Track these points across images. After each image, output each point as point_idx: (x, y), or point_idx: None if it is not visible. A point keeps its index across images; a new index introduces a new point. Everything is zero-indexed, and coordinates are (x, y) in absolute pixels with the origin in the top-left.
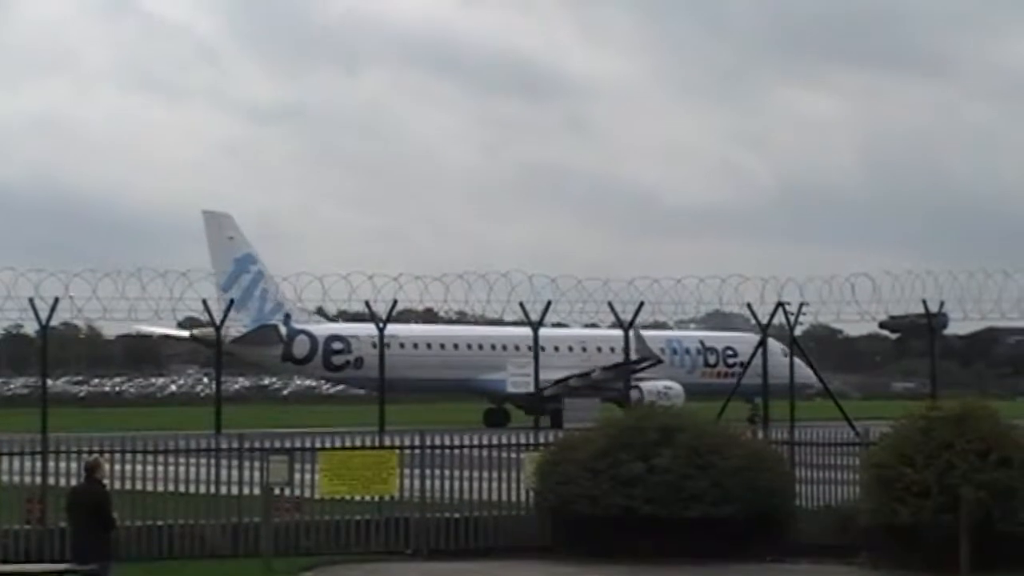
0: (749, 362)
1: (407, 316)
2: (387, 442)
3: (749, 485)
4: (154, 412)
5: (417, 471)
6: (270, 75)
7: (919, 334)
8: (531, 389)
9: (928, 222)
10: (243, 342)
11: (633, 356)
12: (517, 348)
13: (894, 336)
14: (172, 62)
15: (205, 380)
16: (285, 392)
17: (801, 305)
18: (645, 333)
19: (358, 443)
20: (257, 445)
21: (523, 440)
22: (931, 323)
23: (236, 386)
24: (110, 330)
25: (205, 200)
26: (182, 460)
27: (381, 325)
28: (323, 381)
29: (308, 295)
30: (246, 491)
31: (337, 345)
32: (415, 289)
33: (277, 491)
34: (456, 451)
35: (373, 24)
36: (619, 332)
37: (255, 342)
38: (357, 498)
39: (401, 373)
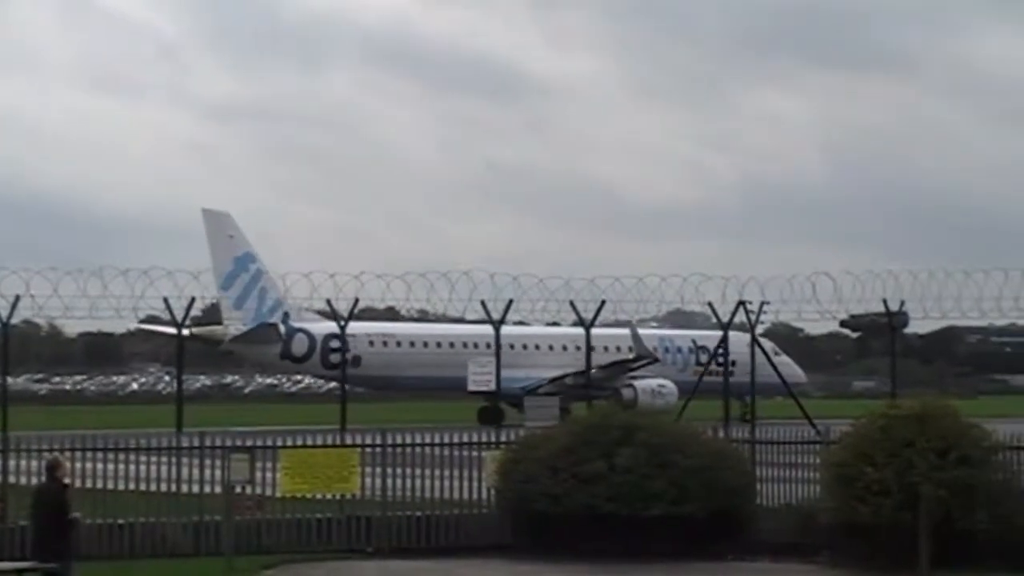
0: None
1: (369, 314)
2: (348, 440)
3: (710, 484)
4: (115, 410)
5: (379, 469)
6: (232, 73)
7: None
8: (491, 387)
9: (890, 221)
10: (243, 340)
11: (631, 355)
12: (512, 347)
13: (855, 335)
14: (133, 60)
15: (167, 378)
16: (247, 390)
17: (762, 304)
18: (640, 332)
19: (319, 441)
20: (218, 443)
21: (484, 438)
22: (891, 322)
23: (198, 384)
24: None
25: (166, 198)
26: (143, 458)
27: (342, 323)
28: (321, 379)
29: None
30: (207, 489)
31: (335, 343)
32: (377, 287)
33: (238, 489)
34: (417, 449)
35: (335, 22)
36: (614, 331)
37: (254, 340)
38: (318, 496)
39: (399, 371)
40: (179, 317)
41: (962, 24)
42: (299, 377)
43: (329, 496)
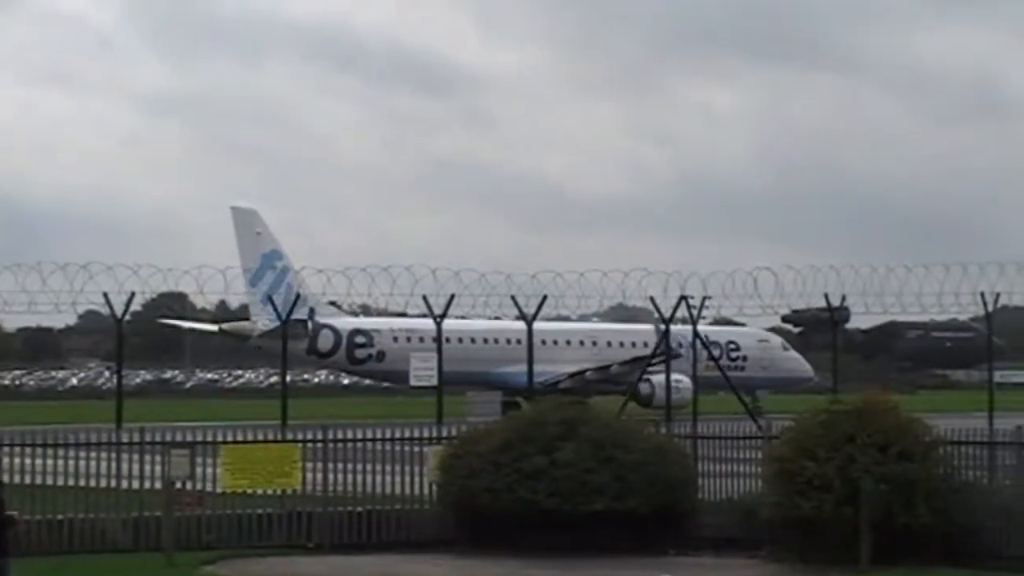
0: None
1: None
2: (289, 436)
3: (652, 478)
4: (55, 405)
5: (320, 465)
6: (169, 66)
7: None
8: (434, 383)
9: (830, 217)
10: (271, 336)
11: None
12: (543, 342)
13: (796, 330)
14: (69, 53)
15: (107, 374)
16: (187, 386)
17: (704, 299)
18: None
19: (260, 437)
20: (158, 439)
21: (426, 434)
22: (833, 317)
23: (138, 380)
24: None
25: (104, 191)
26: (82, 454)
27: (284, 318)
28: (347, 374)
29: (210, 288)
30: (147, 485)
31: (360, 339)
32: (318, 282)
33: (179, 485)
34: (359, 444)
35: (271, 16)
36: (628, 326)
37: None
38: (259, 492)
39: None
40: (119, 312)
41: (900, 22)
42: (239, 372)
43: (270, 491)
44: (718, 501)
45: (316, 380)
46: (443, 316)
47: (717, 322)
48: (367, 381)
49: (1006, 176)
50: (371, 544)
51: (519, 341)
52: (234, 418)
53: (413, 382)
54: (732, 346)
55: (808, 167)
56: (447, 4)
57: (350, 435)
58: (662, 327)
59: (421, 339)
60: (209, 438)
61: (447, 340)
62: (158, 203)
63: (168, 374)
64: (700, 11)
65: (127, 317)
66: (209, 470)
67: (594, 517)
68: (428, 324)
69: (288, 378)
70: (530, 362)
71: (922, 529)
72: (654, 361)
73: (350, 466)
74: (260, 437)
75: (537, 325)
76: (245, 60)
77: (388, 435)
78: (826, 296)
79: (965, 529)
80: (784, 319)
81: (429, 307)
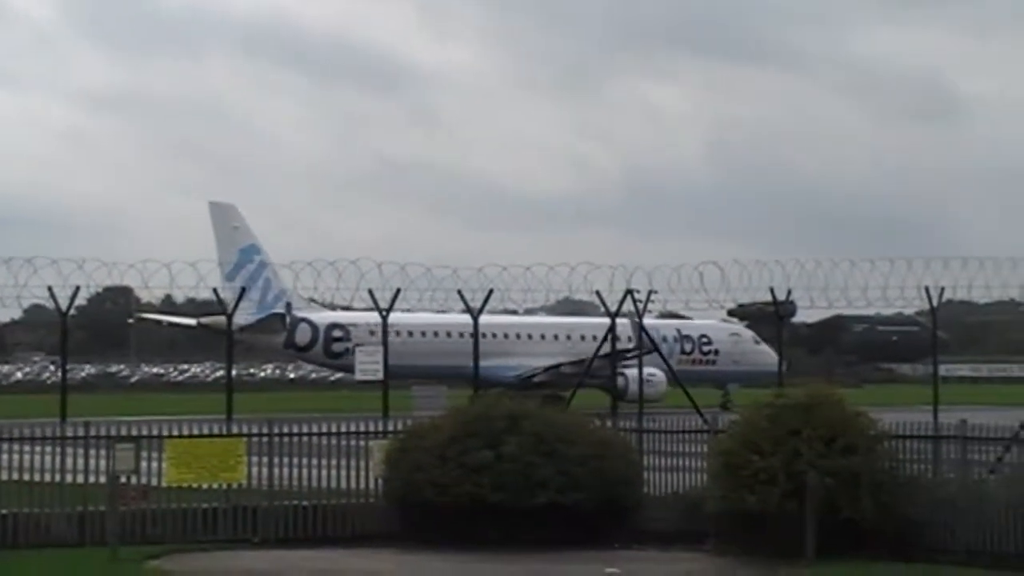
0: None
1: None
2: (235, 430)
3: (597, 472)
4: None
5: (265, 459)
6: (111, 63)
7: (767, 322)
8: (379, 376)
9: (775, 212)
10: (250, 330)
11: (627, 344)
12: (506, 336)
13: (743, 324)
14: (9, 49)
15: (51, 368)
16: (133, 380)
17: (650, 293)
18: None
19: (205, 431)
20: (103, 433)
21: (371, 428)
22: (779, 311)
23: (83, 374)
24: None
25: (44, 187)
26: (27, 448)
27: (229, 312)
28: (324, 368)
29: (155, 282)
30: (92, 479)
31: (337, 333)
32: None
33: (123, 479)
34: (304, 439)
35: (215, 12)
36: (604, 320)
37: (262, 330)
38: (204, 486)
39: (400, 360)
40: (63, 306)
41: (844, 21)
42: (185, 366)
43: (215, 486)
44: (664, 495)
45: (262, 374)
46: (389, 310)
47: (664, 316)
48: (336, 375)
49: (951, 174)
50: (316, 538)
51: (495, 335)
52: (179, 412)
53: (358, 376)
54: (704, 340)
55: (753, 164)
56: (394, 1)
57: (295, 429)
58: (636, 320)
59: (398, 333)
60: (154, 432)
61: (423, 334)
62: (100, 198)
63: (113, 368)
64: (643, 10)
65: (72, 311)
66: (154, 464)
67: (539, 511)
68: (407, 317)
69: (233, 372)
70: (476, 356)
71: (867, 522)
72: (629, 355)
73: (295, 460)
74: (205, 431)
75: (513, 319)
76: (187, 56)
77: (333, 429)
78: (771, 290)
79: (910, 522)
80: (730, 313)
81: (375, 301)
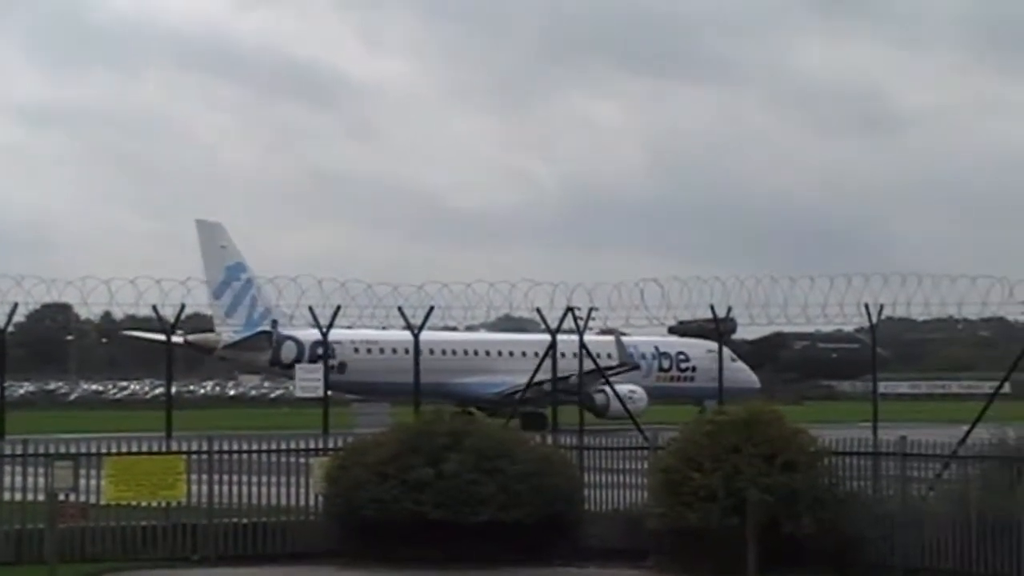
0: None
1: (196, 321)
2: (175, 447)
3: (538, 489)
4: None
5: (205, 476)
6: (43, 76)
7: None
8: (319, 394)
9: (715, 227)
10: (237, 348)
11: (611, 361)
12: (488, 353)
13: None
14: None
15: None
16: (72, 397)
17: (590, 310)
18: (605, 339)
19: (145, 448)
20: (42, 450)
21: (312, 445)
22: (719, 328)
23: (21, 391)
24: None
25: None
26: None
27: (169, 328)
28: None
29: (94, 299)
30: (30, 497)
31: (322, 351)
32: (203, 293)
33: (62, 497)
34: (244, 456)
35: (148, 26)
36: (588, 337)
37: (248, 348)
38: (144, 504)
39: (383, 378)
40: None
41: (783, 35)
42: (124, 383)
43: (155, 503)
44: (605, 512)
45: (202, 391)
46: (330, 327)
47: (604, 333)
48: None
49: (890, 189)
50: (256, 556)
51: (477, 352)
52: (119, 430)
53: (298, 393)
54: (682, 357)
55: (693, 179)
56: (328, 14)
57: (235, 446)
58: (623, 338)
59: (382, 350)
60: (93, 450)
61: (406, 351)
62: (37, 213)
63: (52, 385)
64: (581, 23)
65: (10, 328)
66: (93, 482)
67: (480, 528)
68: (390, 335)
69: (173, 389)
70: (416, 373)
71: (807, 539)
72: (611, 372)
73: (235, 478)
74: (145, 448)
75: (495, 336)
76: (122, 69)
77: (273, 446)
78: (711, 307)
79: (850, 539)
80: (670, 330)
81: (315, 318)
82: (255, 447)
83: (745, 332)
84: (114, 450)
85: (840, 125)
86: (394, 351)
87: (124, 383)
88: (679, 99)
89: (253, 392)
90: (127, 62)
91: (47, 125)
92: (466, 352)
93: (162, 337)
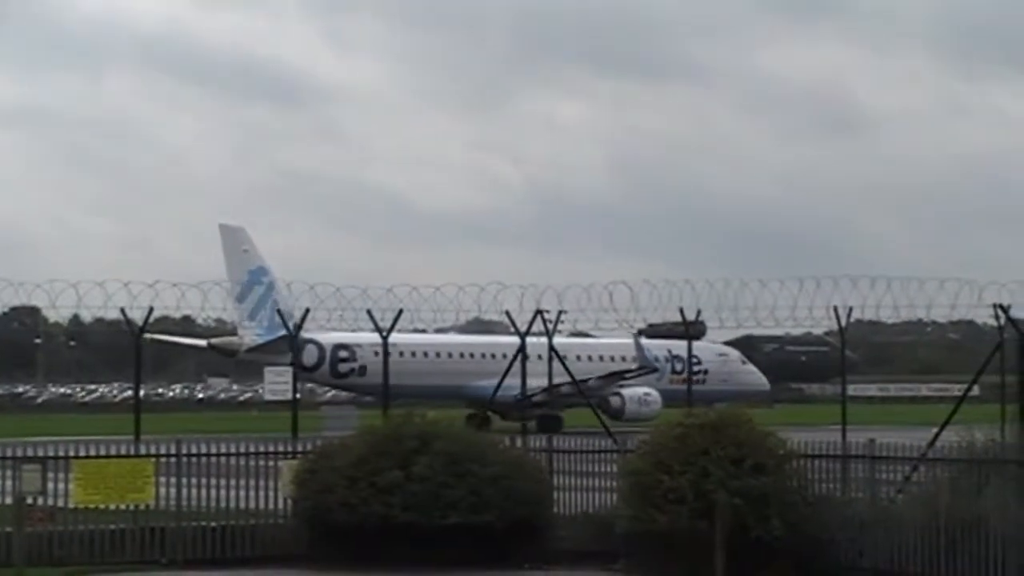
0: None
1: (163, 324)
2: (143, 450)
3: (507, 492)
4: None
5: (174, 479)
6: (8, 77)
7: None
8: (288, 396)
9: (684, 229)
10: (259, 351)
11: (632, 364)
12: (505, 356)
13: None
14: None
15: None
16: (40, 400)
17: (560, 313)
18: (621, 341)
19: (113, 451)
20: (9, 454)
21: (281, 448)
22: (688, 331)
23: None
24: None
25: None
26: None
27: (137, 331)
28: (329, 388)
29: (62, 301)
30: None
31: (343, 353)
32: (172, 296)
33: (30, 500)
34: (213, 459)
35: (115, 28)
36: (602, 340)
37: (270, 351)
38: (112, 507)
39: (403, 380)
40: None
41: (748, 37)
42: (93, 386)
43: (123, 507)
44: (574, 515)
45: (171, 394)
46: (299, 328)
47: (574, 335)
48: (348, 393)
49: (858, 191)
50: (225, 559)
51: (493, 356)
52: (87, 433)
53: (268, 396)
54: (694, 360)
55: (661, 181)
56: (296, 16)
57: (204, 449)
58: (642, 341)
59: (401, 353)
60: (61, 453)
61: (424, 355)
62: (2, 216)
63: (20, 388)
64: (548, 25)
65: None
66: (61, 485)
67: (450, 531)
68: (410, 338)
69: (142, 392)
70: (385, 376)
71: (776, 542)
72: (628, 375)
73: (204, 481)
74: (113, 452)
75: (505, 339)
76: (89, 71)
77: (242, 449)
78: (681, 310)
79: (819, 541)
80: (640, 333)
81: (284, 321)
82: (224, 450)
83: (715, 335)
84: (82, 453)
85: (807, 127)
86: (413, 354)
87: (92, 386)
88: (647, 101)
89: (222, 395)
90: (93, 64)
91: (11, 126)
92: (483, 356)
93: (187, 341)
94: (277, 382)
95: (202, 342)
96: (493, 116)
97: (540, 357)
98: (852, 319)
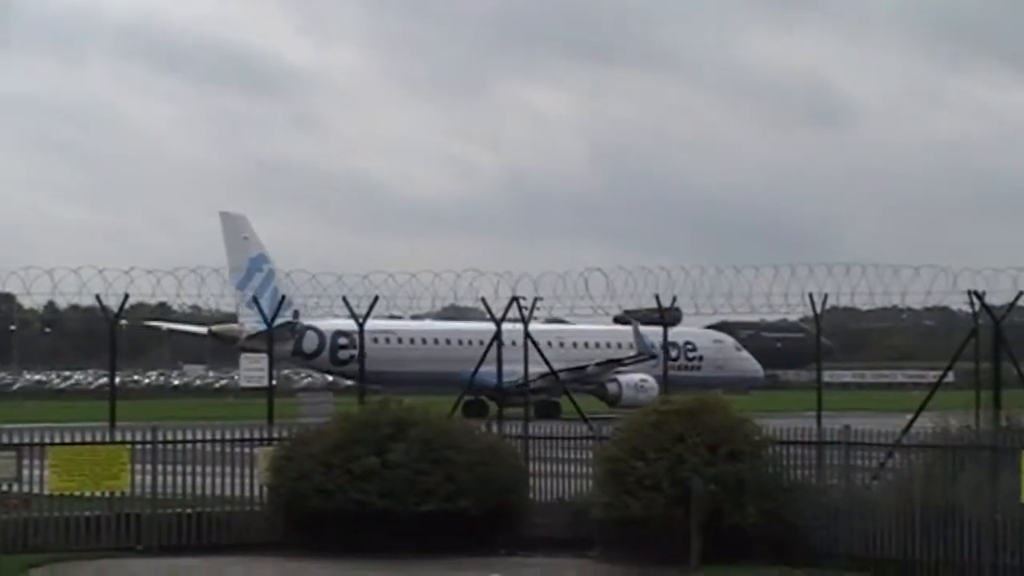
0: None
1: (140, 311)
2: (119, 437)
3: (483, 479)
4: None
5: (149, 466)
6: None
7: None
8: (264, 384)
9: (660, 217)
10: (260, 338)
11: (630, 351)
12: (514, 343)
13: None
14: None
15: None
16: (15, 387)
17: (535, 300)
18: (619, 328)
19: (89, 438)
20: None
21: (257, 435)
22: (664, 318)
23: None
24: None
25: None
26: None
27: (112, 318)
28: (329, 375)
29: (37, 288)
30: None
31: (342, 340)
32: (147, 283)
33: (5, 487)
34: (188, 446)
35: (90, 15)
36: (600, 327)
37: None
38: (87, 494)
39: (403, 367)
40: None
41: (731, 25)
42: (68, 373)
43: (98, 494)
44: (550, 501)
45: (146, 381)
46: (274, 318)
47: (549, 322)
48: (347, 382)
49: (834, 179)
50: (201, 546)
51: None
52: (62, 420)
53: (243, 383)
54: (689, 347)
55: (638, 168)
56: (272, 2)
57: (179, 436)
58: (641, 328)
59: (400, 340)
60: (36, 440)
61: (423, 341)
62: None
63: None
64: (527, 13)
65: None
66: (36, 472)
67: (426, 518)
68: (408, 325)
69: (117, 379)
70: (361, 362)
71: (751, 528)
72: (626, 362)
73: (179, 468)
74: (88, 439)
75: (506, 327)
76: (64, 58)
77: (218, 436)
78: (656, 297)
79: (794, 528)
80: (616, 320)
81: (260, 309)
82: (199, 437)
83: (690, 321)
84: (57, 440)
85: (785, 116)
86: (412, 341)
87: (68, 373)
88: (625, 89)
89: (198, 382)
90: (69, 50)
91: None
92: (482, 343)
93: (189, 328)
94: (252, 369)
95: (203, 329)
96: (470, 103)
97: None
98: (827, 306)
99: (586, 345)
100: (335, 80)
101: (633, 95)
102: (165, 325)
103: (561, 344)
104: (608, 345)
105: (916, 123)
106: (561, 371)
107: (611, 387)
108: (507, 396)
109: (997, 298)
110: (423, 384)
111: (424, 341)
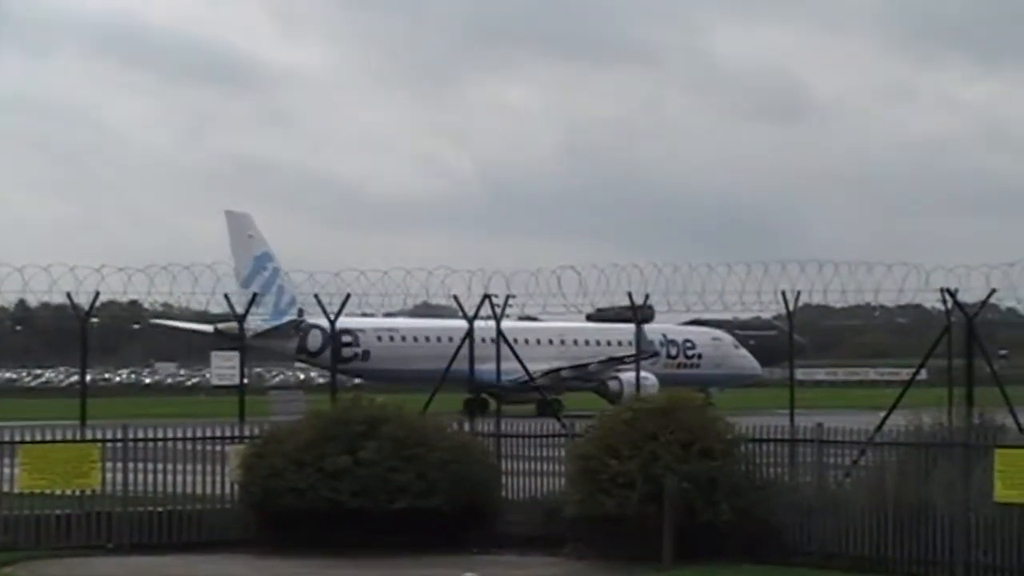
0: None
1: (111, 308)
2: (89, 435)
3: (455, 477)
4: None
5: (120, 464)
6: None
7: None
8: (235, 382)
9: (632, 214)
10: (266, 336)
11: (628, 349)
12: (516, 341)
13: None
14: None
15: None
16: None
17: (508, 297)
18: (621, 326)
19: (59, 436)
20: None
21: (228, 432)
22: (636, 315)
23: None
24: None
25: None
26: None
27: (83, 316)
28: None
29: (7, 286)
30: None
31: (346, 338)
32: (118, 280)
33: None
34: (159, 444)
35: (59, 9)
36: (602, 325)
37: (276, 336)
38: (58, 492)
39: (405, 365)
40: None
41: (701, 21)
42: (39, 371)
43: (69, 492)
44: (522, 499)
45: (118, 379)
46: (245, 315)
47: (522, 319)
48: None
49: (807, 175)
50: (172, 544)
51: (492, 340)
52: (33, 417)
53: (215, 381)
54: (688, 344)
55: (609, 165)
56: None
57: (150, 434)
58: (643, 327)
59: (403, 338)
60: (6, 438)
61: (426, 339)
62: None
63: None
64: (498, 9)
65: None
66: (6, 470)
67: (398, 515)
68: (410, 323)
69: (88, 377)
70: (334, 359)
71: (724, 526)
72: (627, 359)
73: (151, 466)
74: (59, 437)
75: (508, 324)
76: (34, 54)
77: (189, 434)
78: (629, 295)
79: (767, 525)
80: (588, 318)
81: (232, 306)
82: (170, 435)
83: (663, 319)
84: (28, 438)
85: (756, 111)
86: (415, 339)
87: (39, 371)
88: (597, 85)
89: (169, 380)
90: (39, 45)
91: None
92: (483, 340)
93: (192, 326)
94: (224, 367)
95: (208, 327)
96: (442, 100)
97: (539, 342)
98: (800, 303)
99: (587, 343)
100: (308, 76)
101: (606, 91)
102: (169, 323)
103: (563, 342)
104: (609, 343)
105: (885, 118)
106: (563, 368)
107: (613, 384)
108: (508, 393)
109: (969, 295)
110: (426, 382)
111: (427, 339)
